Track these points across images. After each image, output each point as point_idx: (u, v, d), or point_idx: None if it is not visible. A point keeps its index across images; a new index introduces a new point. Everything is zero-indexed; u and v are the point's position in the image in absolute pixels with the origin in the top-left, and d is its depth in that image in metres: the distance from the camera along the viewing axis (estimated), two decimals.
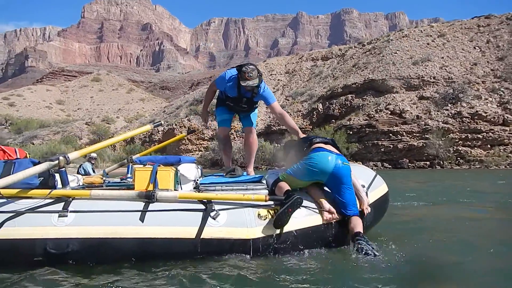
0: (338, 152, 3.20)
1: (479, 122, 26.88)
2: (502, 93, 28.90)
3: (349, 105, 33.43)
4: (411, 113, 29.09)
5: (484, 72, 31.90)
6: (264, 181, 3.32)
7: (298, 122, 35.70)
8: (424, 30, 40.56)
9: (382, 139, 28.46)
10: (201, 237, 2.66)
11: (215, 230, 2.69)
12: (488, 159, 25.03)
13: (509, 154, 25.13)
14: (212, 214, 2.73)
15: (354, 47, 46.09)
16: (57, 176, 3.00)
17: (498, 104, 28.13)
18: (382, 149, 28.34)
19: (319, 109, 35.35)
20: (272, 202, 2.87)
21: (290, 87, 44.06)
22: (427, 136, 26.69)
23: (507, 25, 37.10)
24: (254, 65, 3.81)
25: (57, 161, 2.79)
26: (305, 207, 2.94)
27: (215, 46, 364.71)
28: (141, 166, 3.02)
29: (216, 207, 2.78)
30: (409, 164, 27.10)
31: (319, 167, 3.01)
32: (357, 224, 2.97)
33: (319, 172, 3.02)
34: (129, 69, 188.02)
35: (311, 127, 34.06)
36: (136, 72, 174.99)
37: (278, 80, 46.55)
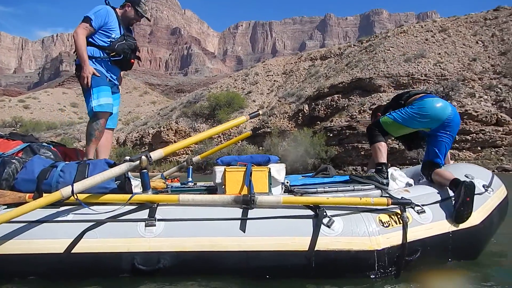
0: None
1: (469, 122, 24.20)
2: (499, 90, 26.02)
3: (334, 106, 31.34)
4: None
5: (483, 68, 28.95)
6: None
7: (283, 124, 33.94)
8: (425, 25, 37.72)
9: (363, 142, 26.19)
10: (316, 249, 2.25)
11: (331, 240, 2.28)
12: (477, 163, 22.39)
13: (501, 157, 22.39)
14: (325, 221, 2.32)
15: (354, 45, 43.71)
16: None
17: (494, 102, 25.32)
18: (363, 152, 26.11)
19: (305, 110, 33.43)
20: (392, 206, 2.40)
21: (285, 88, 42.26)
22: None
23: None
24: None
25: (138, 162, 2.36)
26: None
27: (242, 49, 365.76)
28: (228, 167, 2.66)
29: (328, 212, 2.35)
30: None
31: (434, 113, 2.75)
32: (449, 173, 2.69)
33: (431, 119, 2.77)
34: (147, 72, 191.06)
35: (296, 129, 32.24)
36: (154, 75, 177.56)
37: (274, 81, 44.84)
